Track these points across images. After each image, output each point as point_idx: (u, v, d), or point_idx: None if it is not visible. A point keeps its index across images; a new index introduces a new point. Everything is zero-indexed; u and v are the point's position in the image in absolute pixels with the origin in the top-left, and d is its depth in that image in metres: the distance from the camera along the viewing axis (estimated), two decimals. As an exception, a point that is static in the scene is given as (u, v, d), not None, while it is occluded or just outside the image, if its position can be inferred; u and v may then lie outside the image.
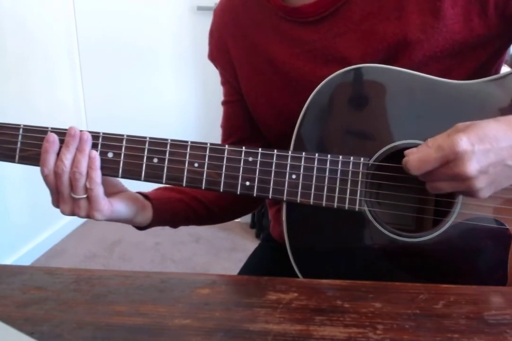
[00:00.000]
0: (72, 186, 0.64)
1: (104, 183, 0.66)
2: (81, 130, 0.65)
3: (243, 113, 0.84)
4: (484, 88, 0.67)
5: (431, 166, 0.58)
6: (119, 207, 0.68)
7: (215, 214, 0.85)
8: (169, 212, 0.78)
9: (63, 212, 0.66)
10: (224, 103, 0.88)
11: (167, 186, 0.82)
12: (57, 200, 0.66)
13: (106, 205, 0.65)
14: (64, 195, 0.65)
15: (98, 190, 0.64)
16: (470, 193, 0.59)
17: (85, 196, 0.64)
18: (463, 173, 0.56)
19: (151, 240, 2.40)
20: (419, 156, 0.58)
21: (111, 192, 0.69)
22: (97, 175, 0.64)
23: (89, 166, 0.64)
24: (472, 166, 0.56)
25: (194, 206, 0.82)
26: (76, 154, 0.64)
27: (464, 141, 0.56)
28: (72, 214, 0.66)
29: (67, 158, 0.64)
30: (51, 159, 0.64)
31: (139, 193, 0.76)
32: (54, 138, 0.64)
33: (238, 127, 0.86)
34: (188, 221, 0.84)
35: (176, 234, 2.38)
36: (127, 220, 0.71)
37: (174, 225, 0.84)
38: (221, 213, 0.87)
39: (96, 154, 0.64)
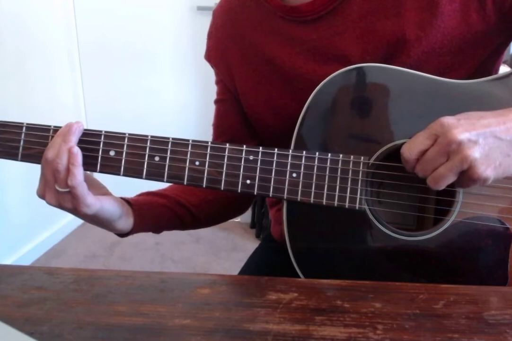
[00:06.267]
0: (55, 178, 0.63)
1: (89, 184, 0.65)
2: (76, 122, 0.65)
3: (234, 112, 0.84)
4: (485, 88, 0.67)
5: (421, 144, 0.58)
6: (107, 205, 0.67)
7: (199, 219, 0.84)
8: (151, 218, 0.77)
9: (49, 202, 0.65)
10: (217, 101, 0.88)
11: (151, 190, 0.81)
12: (43, 189, 0.65)
13: (93, 200, 0.64)
14: (49, 184, 0.64)
15: (82, 187, 0.62)
16: (470, 170, 0.56)
17: (68, 190, 0.63)
18: (453, 139, 0.55)
19: (151, 240, 2.40)
20: (410, 140, 0.60)
21: (96, 193, 0.67)
22: (79, 171, 0.62)
23: (70, 163, 0.62)
24: (459, 132, 0.56)
25: (178, 211, 0.80)
26: (61, 146, 0.63)
27: (449, 118, 0.58)
28: (59, 205, 0.65)
29: (54, 147, 0.63)
30: (57, 143, 0.63)
31: (122, 198, 0.74)
32: (76, 125, 0.64)
33: (229, 126, 0.86)
34: (171, 226, 0.83)
35: (176, 234, 2.36)
36: (110, 220, 0.69)
37: (157, 230, 0.82)
38: (205, 217, 0.85)
39: (77, 151, 0.63)
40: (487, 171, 0.56)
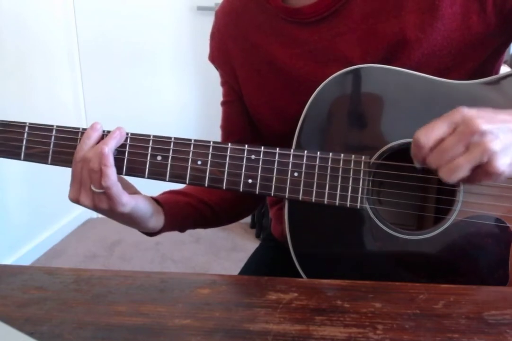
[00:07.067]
0: (91, 178, 0.63)
1: (121, 184, 0.65)
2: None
3: (241, 113, 0.84)
4: (484, 88, 0.67)
5: (440, 131, 0.54)
6: (141, 202, 0.68)
7: (220, 216, 0.85)
8: (179, 216, 0.77)
9: (84, 204, 0.65)
10: (223, 103, 0.88)
11: (172, 189, 0.82)
12: (78, 191, 0.65)
13: (128, 198, 0.64)
14: (86, 186, 0.64)
15: (116, 187, 0.63)
16: (488, 164, 0.53)
17: (102, 190, 0.63)
18: (476, 129, 0.52)
19: (151, 240, 2.36)
20: (427, 126, 0.56)
21: (128, 193, 0.67)
22: (112, 172, 0.62)
23: (103, 164, 0.62)
24: (482, 123, 0.53)
25: (201, 209, 0.81)
26: (101, 147, 0.63)
27: (468, 109, 0.55)
28: (94, 206, 0.65)
29: (96, 148, 0.63)
30: (88, 145, 0.64)
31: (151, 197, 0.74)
32: (100, 126, 0.65)
33: (237, 127, 0.86)
34: (195, 225, 0.84)
35: (176, 234, 2.38)
36: (143, 218, 0.70)
37: (182, 229, 0.82)
38: (226, 215, 0.86)
39: (108, 151, 0.63)
40: (504, 166, 0.54)
